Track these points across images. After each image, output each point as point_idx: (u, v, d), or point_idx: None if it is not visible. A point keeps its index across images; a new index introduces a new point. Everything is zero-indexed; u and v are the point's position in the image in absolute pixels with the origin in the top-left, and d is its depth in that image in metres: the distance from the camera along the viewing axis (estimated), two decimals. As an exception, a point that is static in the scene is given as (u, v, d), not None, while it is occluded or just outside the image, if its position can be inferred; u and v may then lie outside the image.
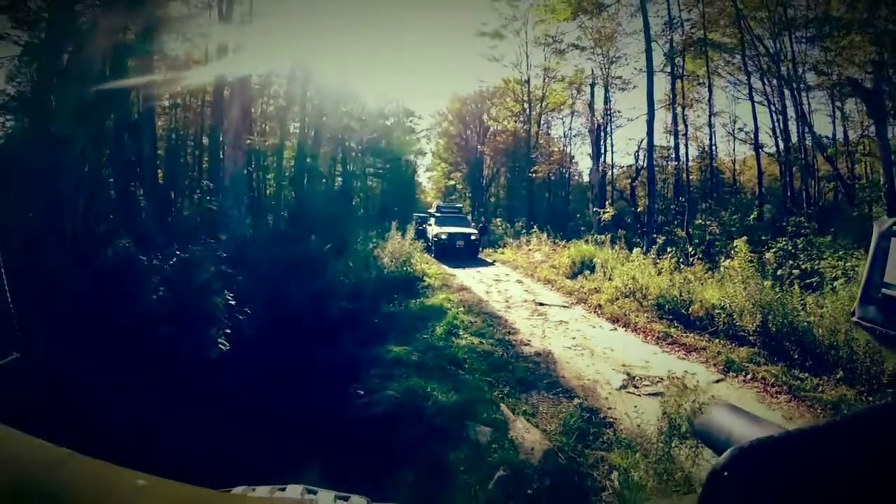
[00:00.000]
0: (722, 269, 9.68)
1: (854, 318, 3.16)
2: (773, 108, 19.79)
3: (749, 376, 6.93)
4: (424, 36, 57.55)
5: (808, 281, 9.18)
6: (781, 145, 19.36)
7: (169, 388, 3.79)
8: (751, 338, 7.83)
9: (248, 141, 13.83)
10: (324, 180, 27.87)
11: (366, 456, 3.85)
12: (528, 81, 28.74)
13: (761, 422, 0.91)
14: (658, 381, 6.45)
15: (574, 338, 8.38)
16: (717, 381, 6.79)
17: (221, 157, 11.84)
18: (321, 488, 1.03)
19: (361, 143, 32.08)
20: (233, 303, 5.15)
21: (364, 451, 3.94)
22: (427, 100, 79.30)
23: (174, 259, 5.11)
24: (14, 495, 0.74)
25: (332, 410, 4.59)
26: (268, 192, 23.92)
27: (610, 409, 5.42)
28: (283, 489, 1.05)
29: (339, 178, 31.42)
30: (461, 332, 7.84)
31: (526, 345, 7.72)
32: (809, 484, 0.58)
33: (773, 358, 7.31)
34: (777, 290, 8.16)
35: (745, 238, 9.38)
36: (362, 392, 5.14)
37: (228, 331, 4.86)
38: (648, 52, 17.66)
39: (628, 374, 6.67)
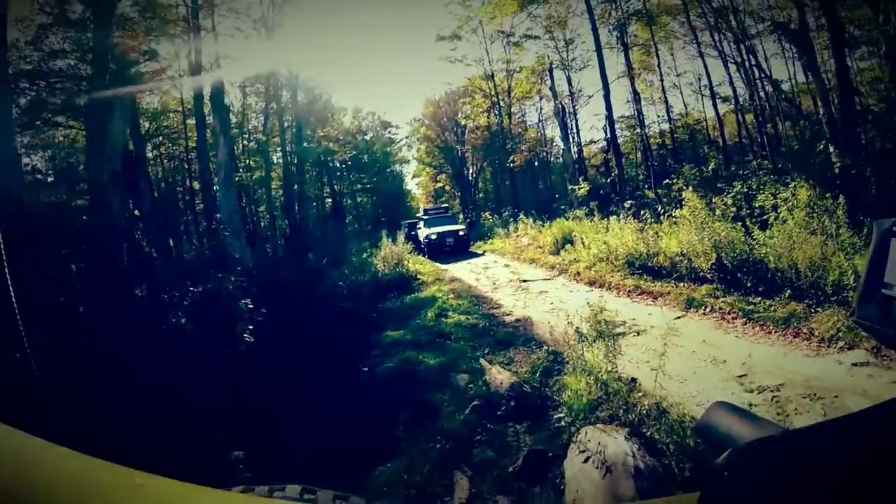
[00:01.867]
0: (675, 219, 10.56)
1: (854, 318, 3.31)
2: (731, 61, 20.69)
3: (708, 309, 7.83)
4: (388, 48, 58.59)
5: (764, 217, 10.05)
6: (746, 95, 20.30)
7: (222, 363, 4.74)
8: (708, 276, 8.74)
9: (237, 178, 14.83)
10: (314, 203, 28.82)
11: (370, 407, 4.80)
12: (492, 77, 29.65)
13: (761, 422, 0.93)
14: (622, 324, 7.36)
15: (552, 303, 9.28)
16: (678, 318, 7.67)
17: (215, 197, 12.74)
18: (320, 488, 1.09)
19: (344, 162, 32.97)
20: (251, 306, 6.17)
21: (369, 405, 4.88)
22: (402, 108, 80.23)
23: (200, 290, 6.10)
24: (15, 493, 0.79)
25: (341, 382, 5.52)
26: (262, 223, 24.82)
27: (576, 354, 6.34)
28: (283, 489, 1.11)
29: (328, 199, 32.33)
30: (450, 313, 8.75)
31: (508, 315, 8.66)
32: (809, 483, 0.58)
33: (729, 290, 8.21)
34: (733, 229, 9.02)
35: (690, 189, 10.27)
36: (366, 368, 6.07)
37: (251, 326, 5.87)
38: (594, 30, 18.70)
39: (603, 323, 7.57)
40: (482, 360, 5.95)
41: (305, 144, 24.81)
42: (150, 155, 21.74)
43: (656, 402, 3.84)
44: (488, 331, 7.57)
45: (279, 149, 24.75)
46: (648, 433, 3.47)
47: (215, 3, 19.87)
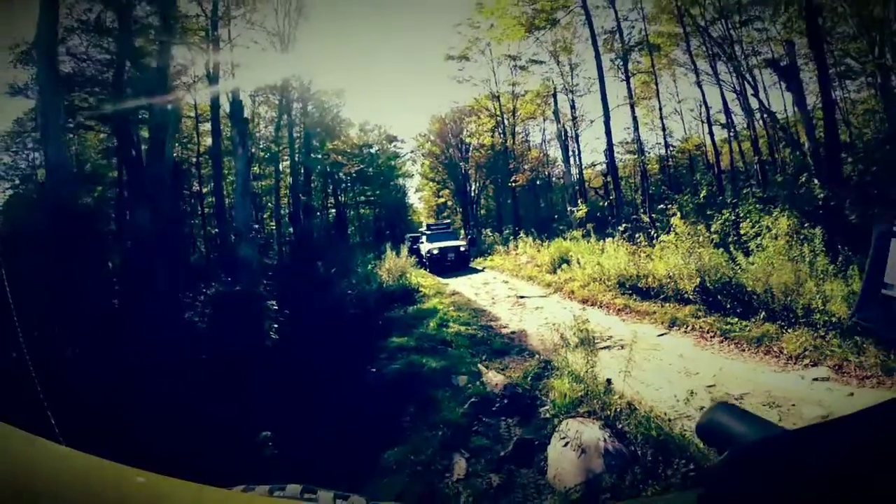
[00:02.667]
0: (664, 244, 11.24)
1: (854, 319, 3.46)
2: (730, 90, 21.48)
3: (689, 328, 8.46)
4: (398, 63, 59.66)
5: (747, 244, 10.70)
6: (742, 123, 21.11)
7: (246, 359, 5.37)
8: (692, 297, 9.37)
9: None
10: (318, 213, 29.48)
11: (381, 400, 5.43)
12: (498, 98, 30.46)
13: (761, 422, 0.94)
14: (608, 339, 7.98)
15: (546, 318, 9.90)
16: (661, 335, 8.32)
17: (227, 205, 13.40)
18: (320, 488, 1.09)
19: (350, 174, 33.63)
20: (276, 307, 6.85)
21: (380, 399, 5.51)
22: (408, 123, 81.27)
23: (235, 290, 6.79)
24: (15, 492, 0.80)
25: (352, 380, 6.15)
26: (264, 230, 25.41)
27: (563, 361, 6.97)
28: (283, 488, 1.10)
29: (332, 210, 32.97)
30: (451, 324, 9.38)
31: (504, 327, 9.30)
32: (809, 484, 0.60)
33: (710, 311, 8.83)
34: (716, 254, 9.68)
35: (679, 216, 10.96)
36: (374, 369, 6.70)
37: (276, 325, 6.52)
38: (598, 58, 19.52)
39: (587, 334, 8.20)
40: (480, 365, 6.60)
41: (314, 155, 25.54)
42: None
43: (628, 402, 4.47)
44: (486, 340, 8.20)
45: (287, 158, 25.42)
46: (619, 426, 4.10)
47: (233, 15, 20.78)
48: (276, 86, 24.09)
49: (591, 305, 10.95)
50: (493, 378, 5.87)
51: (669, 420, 4.30)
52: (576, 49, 26.54)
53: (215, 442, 3.96)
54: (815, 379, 5.88)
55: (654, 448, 3.71)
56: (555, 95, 26.92)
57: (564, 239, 18.52)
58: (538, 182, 33.02)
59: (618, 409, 4.37)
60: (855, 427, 0.68)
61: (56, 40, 7.18)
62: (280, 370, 5.66)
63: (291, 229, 24.16)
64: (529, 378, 5.92)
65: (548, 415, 4.75)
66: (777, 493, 0.61)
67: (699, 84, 21.78)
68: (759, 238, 10.19)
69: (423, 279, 16.41)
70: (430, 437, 4.63)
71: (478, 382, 5.86)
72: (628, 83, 22.17)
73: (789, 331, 7.20)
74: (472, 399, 5.33)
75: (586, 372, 5.02)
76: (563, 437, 3.98)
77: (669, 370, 6.37)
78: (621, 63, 23.00)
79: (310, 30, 32.43)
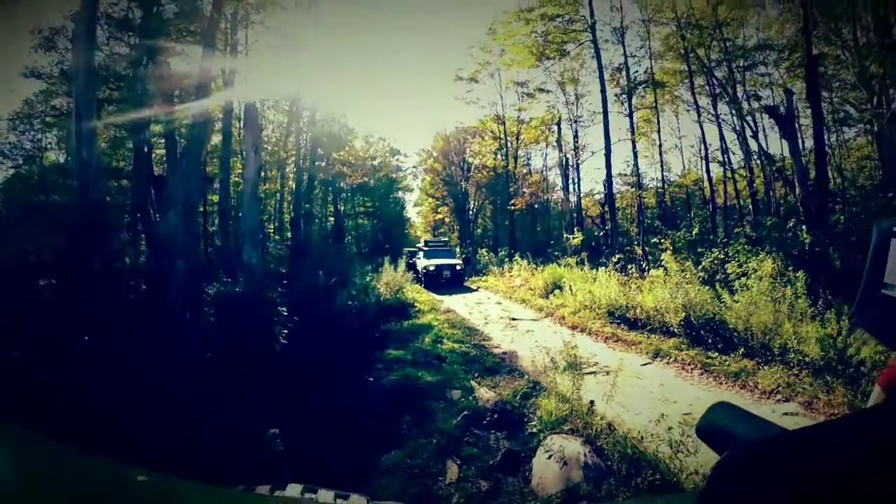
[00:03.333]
0: (653, 278, 11.73)
1: (854, 319, 3.37)
2: (731, 129, 22.21)
3: (672, 359, 8.89)
4: (407, 79, 60.58)
5: (734, 282, 11.20)
6: (738, 161, 21.84)
7: (249, 366, 5.76)
8: (676, 331, 9.83)
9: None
10: (317, 220, 29.89)
11: (375, 410, 5.82)
12: (503, 121, 31.15)
13: (761, 422, 0.96)
14: (595, 364, 8.40)
15: (536, 341, 10.28)
16: (645, 364, 8.75)
17: (234, 206, 13.81)
18: (321, 487, 1.10)
19: (352, 185, 34.10)
20: (285, 312, 7.25)
21: (374, 409, 5.91)
22: (412, 138, 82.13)
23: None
24: (16, 492, 0.82)
25: (351, 389, 6.53)
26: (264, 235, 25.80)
27: (551, 382, 7.39)
28: (283, 488, 1.12)
29: (332, 219, 33.40)
30: (445, 340, 9.79)
31: (496, 347, 9.71)
32: (809, 484, 0.59)
33: (693, 344, 9.29)
34: (701, 291, 10.15)
35: (669, 251, 11.46)
36: (371, 378, 7.10)
37: (285, 330, 6.92)
38: (603, 92, 20.17)
39: (575, 359, 8.62)
40: (472, 382, 7.02)
41: (319, 164, 26.03)
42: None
43: (608, 422, 4.89)
44: (478, 359, 8.61)
45: (290, 164, 25.88)
46: (599, 443, 4.52)
47: (251, 20, 21.32)
48: (287, 94, 24.61)
49: (581, 332, 11.37)
50: (485, 394, 6.29)
51: (643, 439, 4.70)
52: (582, 80, 27.30)
53: (230, 434, 4.35)
54: (785, 413, 6.30)
55: (628, 463, 4.13)
56: (559, 124, 27.66)
57: (559, 265, 19.01)
58: (536, 207, 33.59)
59: (598, 429, 4.79)
60: (855, 427, 0.69)
61: (94, 37, 7.62)
62: (287, 373, 6.06)
63: (290, 234, 24.50)
64: (518, 396, 6.33)
65: (534, 430, 5.17)
66: (777, 493, 0.61)
67: (700, 122, 22.52)
68: (745, 278, 10.67)
69: (419, 294, 16.83)
70: (425, 443, 5.03)
71: (470, 397, 6.28)
72: (631, 119, 22.86)
73: (765, 367, 7.64)
74: (465, 412, 5.74)
75: (572, 394, 5.45)
76: (548, 451, 4.39)
77: (650, 397, 6.78)
78: (626, 98, 23.67)
79: (324, 39, 33.06)
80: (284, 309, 7.43)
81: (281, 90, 23.54)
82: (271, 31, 21.25)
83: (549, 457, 4.30)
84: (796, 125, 15.35)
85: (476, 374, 7.60)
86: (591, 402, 5.68)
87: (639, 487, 3.74)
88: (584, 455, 4.18)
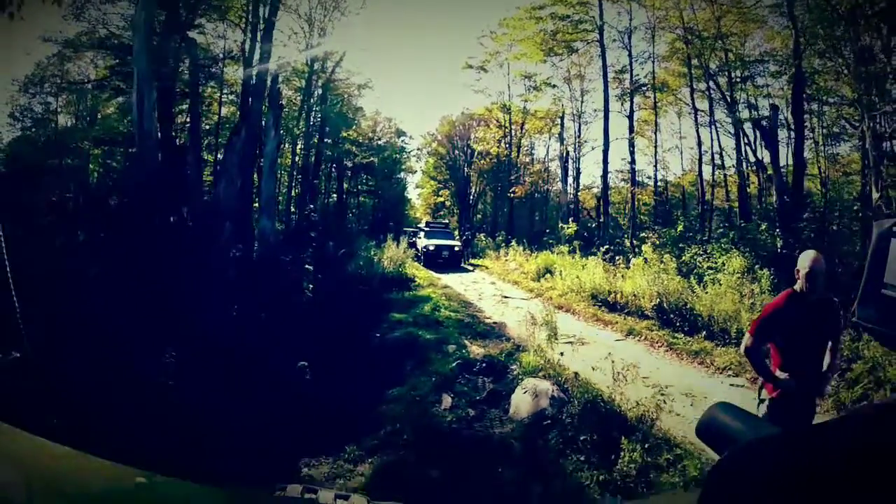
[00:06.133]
0: (634, 266, 12.87)
1: (854, 319, 3.34)
2: (728, 134, 23.21)
3: (643, 338, 10.04)
4: (420, 62, 61.05)
5: (705, 276, 12.31)
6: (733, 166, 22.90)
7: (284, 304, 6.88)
8: (650, 314, 10.97)
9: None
10: (321, 196, 30.81)
11: (381, 358, 6.97)
12: (509, 110, 31.98)
13: (761, 422, 0.99)
14: (573, 336, 9.52)
15: (524, 316, 11.45)
16: (618, 340, 9.89)
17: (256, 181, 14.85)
18: (321, 487, 1.12)
19: (358, 164, 34.91)
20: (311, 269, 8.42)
21: (380, 358, 7.04)
22: (417, 121, 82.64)
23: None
24: (16, 491, 0.83)
25: (360, 342, 7.67)
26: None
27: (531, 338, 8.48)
28: (284, 488, 1.15)
29: (334, 195, 34.26)
30: (442, 309, 10.91)
31: (487, 318, 10.85)
32: (809, 483, 0.59)
33: (663, 326, 10.43)
34: (672, 280, 11.28)
35: (649, 243, 12.59)
36: (378, 335, 8.23)
37: (311, 285, 8.05)
38: (606, 92, 21.25)
39: (554, 332, 9.76)
40: (465, 340, 8.14)
41: (327, 140, 26.95)
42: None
43: (575, 372, 6.03)
44: (471, 325, 9.75)
45: (301, 142, 26.79)
46: (565, 385, 5.65)
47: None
48: (303, 69, 25.45)
49: (566, 311, 12.50)
50: (476, 350, 7.44)
51: (598, 385, 5.83)
52: (588, 77, 28.14)
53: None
54: (732, 385, 7.46)
55: (585, 398, 5.26)
56: (562, 119, 28.53)
57: (552, 252, 20.09)
58: (536, 196, 34.44)
59: (566, 377, 5.93)
60: (855, 427, 0.69)
61: (153, 25, 8.59)
62: (317, 319, 7.20)
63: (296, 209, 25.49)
64: (504, 354, 7.47)
65: (515, 373, 6.31)
66: (777, 493, 0.61)
67: (696, 127, 23.49)
68: (718, 273, 11.78)
69: (418, 271, 17.95)
70: (425, 380, 6.17)
71: (463, 351, 7.42)
72: (631, 119, 23.81)
73: (721, 348, 8.79)
74: (459, 361, 6.88)
75: (547, 350, 6.59)
76: (524, 389, 5.53)
77: (618, 365, 7.92)
78: (628, 98, 24.53)
79: (339, 19, 33.69)
80: (311, 267, 8.54)
81: (295, 66, 24.36)
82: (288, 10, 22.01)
83: (524, 392, 5.44)
84: (777, 139, 16.42)
85: (469, 336, 8.72)
86: (562, 354, 6.81)
87: (586, 407, 4.90)
88: (552, 391, 5.32)
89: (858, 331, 8.30)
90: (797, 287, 3.46)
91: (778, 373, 3.49)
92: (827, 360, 3.60)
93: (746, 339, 3.64)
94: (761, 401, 3.65)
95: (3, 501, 0.83)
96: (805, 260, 3.41)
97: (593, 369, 7.00)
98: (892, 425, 0.65)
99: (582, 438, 4.61)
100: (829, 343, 3.62)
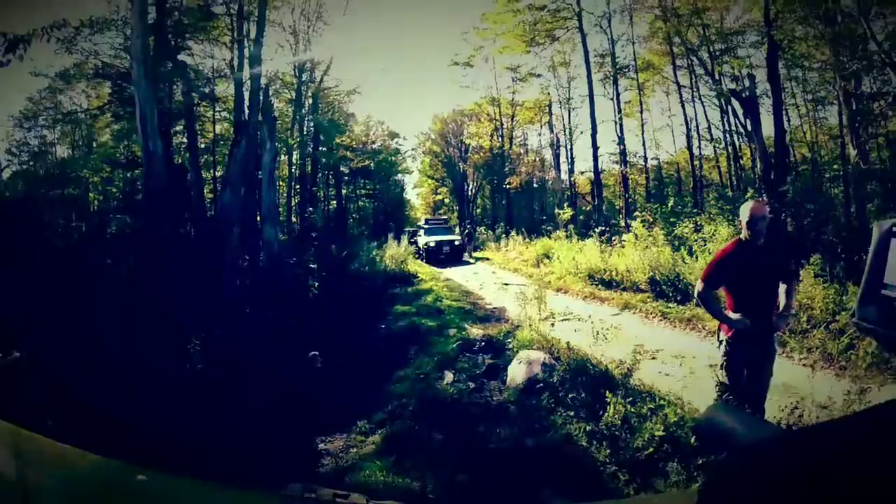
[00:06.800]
0: (625, 242, 13.32)
1: (854, 319, 3.43)
2: (714, 107, 23.54)
3: (638, 310, 10.46)
4: (407, 63, 61.43)
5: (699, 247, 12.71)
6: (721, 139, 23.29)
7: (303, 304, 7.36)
8: (644, 287, 11.40)
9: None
10: (321, 204, 31.31)
11: (386, 346, 7.44)
12: (498, 104, 32.39)
13: (761, 422, 1.00)
14: (570, 314, 9.97)
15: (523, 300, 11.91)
16: (615, 315, 10.31)
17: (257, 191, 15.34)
18: (321, 487, 1.09)
19: (354, 169, 35.36)
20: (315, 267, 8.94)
21: (385, 346, 7.51)
22: (410, 121, 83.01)
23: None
24: (17, 490, 0.84)
25: (366, 333, 8.14)
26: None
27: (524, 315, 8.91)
28: (284, 487, 1.11)
29: (333, 202, 34.74)
30: (444, 299, 11.39)
31: (488, 304, 11.31)
32: (809, 484, 0.60)
33: (657, 298, 10.85)
34: (661, 253, 11.69)
35: (639, 220, 13.03)
36: (383, 326, 8.70)
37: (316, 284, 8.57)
38: (589, 77, 21.67)
39: (552, 314, 10.20)
40: (466, 325, 8.61)
41: (322, 149, 27.44)
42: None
43: (567, 343, 6.46)
44: (472, 312, 10.23)
45: (296, 151, 27.29)
46: (557, 355, 6.10)
47: (254, 15, 22.58)
48: (291, 82, 25.96)
49: (564, 293, 12.96)
50: (475, 332, 7.92)
51: (590, 354, 6.24)
52: (573, 63, 28.49)
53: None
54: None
55: (575, 364, 5.70)
56: (550, 107, 28.95)
57: (550, 238, 20.55)
58: (535, 185, 34.83)
59: (559, 348, 6.36)
60: (855, 427, 0.70)
61: (149, 51, 9.07)
62: (320, 316, 7.68)
63: (297, 218, 26.02)
64: (502, 334, 7.92)
65: (512, 347, 6.77)
66: (777, 493, 0.61)
67: (682, 103, 23.87)
68: (707, 243, 12.18)
69: (420, 267, 18.44)
70: (428, 360, 6.64)
71: (464, 333, 7.90)
72: (617, 101, 24.22)
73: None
74: (459, 342, 7.35)
75: (541, 325, 7.05)
76: (519, 360, 5.98)
77: (610, 334, 8.36)
78: (612, 80, 24.90)
79: (324, 29, 34.13)
80: (315, 266, 9.03)
81: (283, 77, 24.86)
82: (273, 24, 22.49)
83: (519, 362, 5.89)
84: (757, 107, 16.82)
85: (470, 322, 9.19)
86: (552, 325, 7.25)
87: (575, 370, 5.35)
88: (545, 360, 5.76)
89: (843, 285, 8.81)
90: (742, 235, 3.87)
91: (730, 314, 3.89)
92: (783, 301, 3.97)
93: (698, 286, 4.06)
94: (720, 342, 4.06)
95: (4, 501, 0.86)
96: (745, 210, 3.82)
97: (583, 338, 7.48)
98: (892, 425, 0.64)
99: (571, 396, 5.05)
100: (784, 286, 3.99)
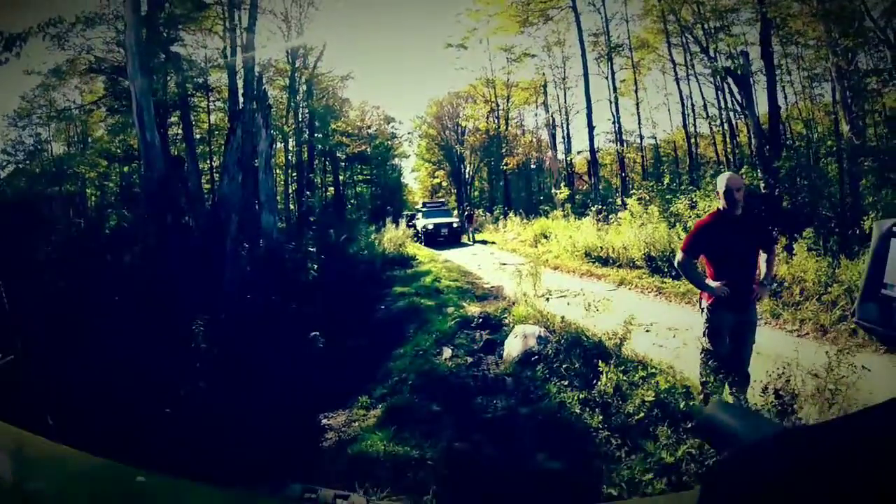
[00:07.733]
0: (620, 220, 13.47)
1: (854, 319, 3.43)
2: (709, 85, 23.50)
3: (634, 286, 10.62)
4: (400, 48, 61.15)
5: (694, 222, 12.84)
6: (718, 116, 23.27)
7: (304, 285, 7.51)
8: (639, 263, 11.55)
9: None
10: (320, 190, 31.38)
11: (385, 326, 7.60)
12: (493, 86, 32.30)
13: (761, 421, 0.97)
14: (567, 291, 10.12)
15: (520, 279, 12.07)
16: (611, 290, 10.47)
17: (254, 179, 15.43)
18: (321, 487, 1.11)
19: (350, 154, 35.36)
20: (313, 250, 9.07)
21: (385, 326, 7.67)
22: (405, 105, 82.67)
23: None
24: (17, 491, 0.83)
25: (366, 313, 8.30)
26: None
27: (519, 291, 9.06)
28: (284, 487, 1.14)
29: (331, 188, 34.80)
30: (442, 280, 11.54)
31: (486, 284, 11.45)
32: (809, 483, 0.59)
33: (652, 274, 11.00)
34: (656, 229, 11.83)
35: (635, 198, 13.15)
36: (383, 307, 8.86)
37: (315, 265, 8.73)
38: (583, 56, 21.65)
39: (549, 291, 10.35)
40: (464, 303, 8.76)
41: (318, 135, 27.45)
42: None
43: (562, 317, 6.62)
44: (470, 291, 10.37)
45: (292, 138, 27.31)
46: (552, 328, 6.25)
47: (245, 3, 22.52)
48: (285, 69, 25.90)
49: (561, 271, 13.12)
50: (473, 309, 8.06)
51: (584, 327, 6.39)
52: (568, 42, 28.35)
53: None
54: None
55: (569, 336, 5.86)
56: (545, 87, 28.88)
57: (548, 218, 20.69)
58: (532, 166, 34.85)
59: (554, 322, 6.52)
60: (856, 426, 0.69)
61: (142, 45, 9.13)
62: (320, 297, 7.84)
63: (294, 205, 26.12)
64: (500, 311, 8.08)
65: (508, 322, 6.93)
66: (777, 493, 0.61)
67: (677, 81, 23.83)
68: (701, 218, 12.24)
69: (419, 250, 18.57)
70: (427, 336, 6.80)
71: (462, 311, 8.04)
72: (613, 80, 24.19)
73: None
74: (457, 319, 7.50)
75: (537, 298, 7.20)
76: (515, 334, 6.13)
77: (606, 308, 8.52)
78: (607, 59, 24.83)
79: (316, 14, 33.95)
80: (314, 250, 9.17)
81: (277, 64, 24.82)
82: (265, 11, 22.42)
83: (515, 337, 6.05)
84: (751, 84, 16.86)
85: (468, 300, 9.34)
86: (547, 299, 7.41)
87: (569, 341, 5.51)
88: (539, 332, 5.92)
89: (836, 258, 8.95)
90: (720, 206, 4.00)
91: (710, 282, 4.04)
92: (763, 269, 4.12)
93: (679, 255, 4.20)
94: (701, 309, 4.22)
95: (4, 501, 0.85)
96: (721, 181, 3.95)
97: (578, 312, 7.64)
98: (893, 425, 0.64)
99: (565, 367, 5.21)
100: (764, 255, 4.14)
